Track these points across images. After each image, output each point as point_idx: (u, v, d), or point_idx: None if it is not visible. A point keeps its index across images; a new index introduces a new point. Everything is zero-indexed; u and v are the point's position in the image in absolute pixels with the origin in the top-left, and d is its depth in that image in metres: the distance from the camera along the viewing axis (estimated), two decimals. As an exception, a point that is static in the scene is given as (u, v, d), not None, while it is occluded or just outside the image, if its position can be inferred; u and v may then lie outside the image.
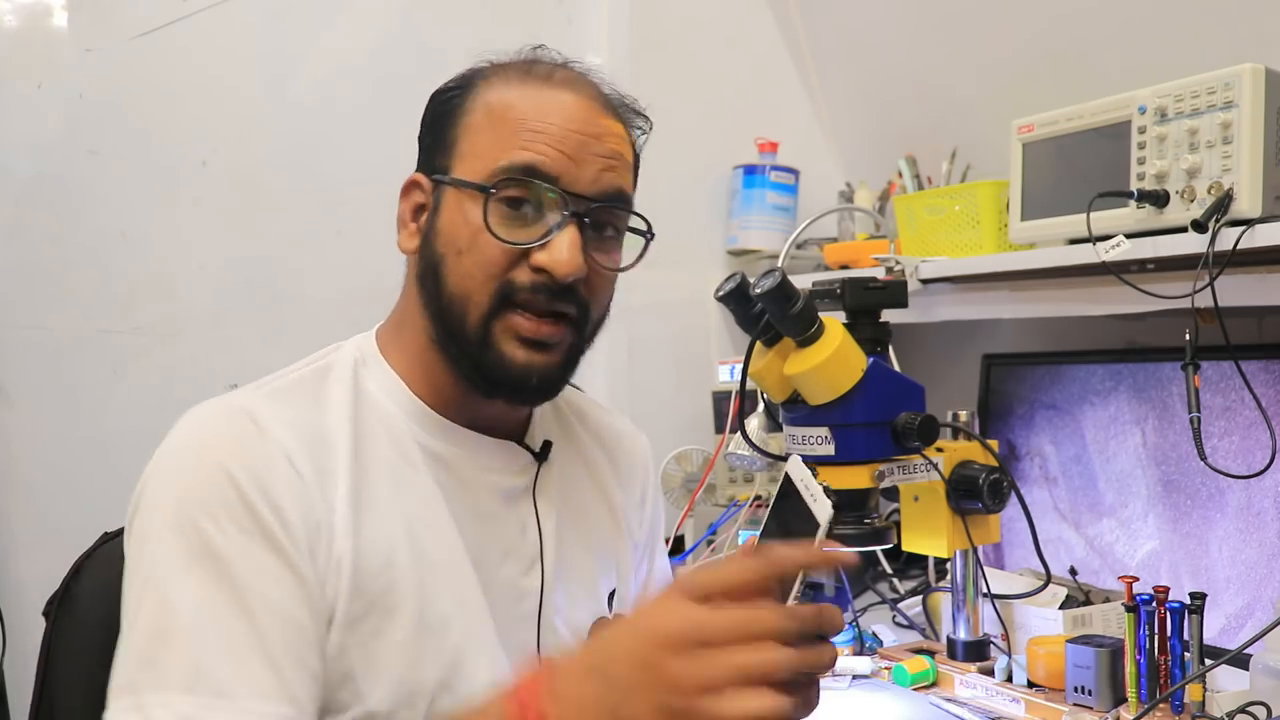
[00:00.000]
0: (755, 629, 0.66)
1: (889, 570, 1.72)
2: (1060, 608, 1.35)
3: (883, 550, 1.65)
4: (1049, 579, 1.22)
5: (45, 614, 1.03)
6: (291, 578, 0.82)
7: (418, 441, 0.93)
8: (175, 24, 1.70)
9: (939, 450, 1.13)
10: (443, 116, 0.95)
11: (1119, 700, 1.18)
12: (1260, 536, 1.32)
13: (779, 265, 1.60)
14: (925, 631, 1.55)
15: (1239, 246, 1.11)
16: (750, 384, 1.11)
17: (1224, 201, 1.13)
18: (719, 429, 1.89)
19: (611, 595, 1.06)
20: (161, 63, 1.69)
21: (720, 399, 1.90)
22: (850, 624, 1.49)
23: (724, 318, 2.08)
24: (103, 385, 1.67)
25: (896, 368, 1.11)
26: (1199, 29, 1.47)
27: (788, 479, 0.84)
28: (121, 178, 1.67)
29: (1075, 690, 1.21)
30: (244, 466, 0.82)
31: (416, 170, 0.97)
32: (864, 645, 1.48)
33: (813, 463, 1.07)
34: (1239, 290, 1.20)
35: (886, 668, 1.40)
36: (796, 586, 0.77)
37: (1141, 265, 1.26)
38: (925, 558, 1.68)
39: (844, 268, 1.82)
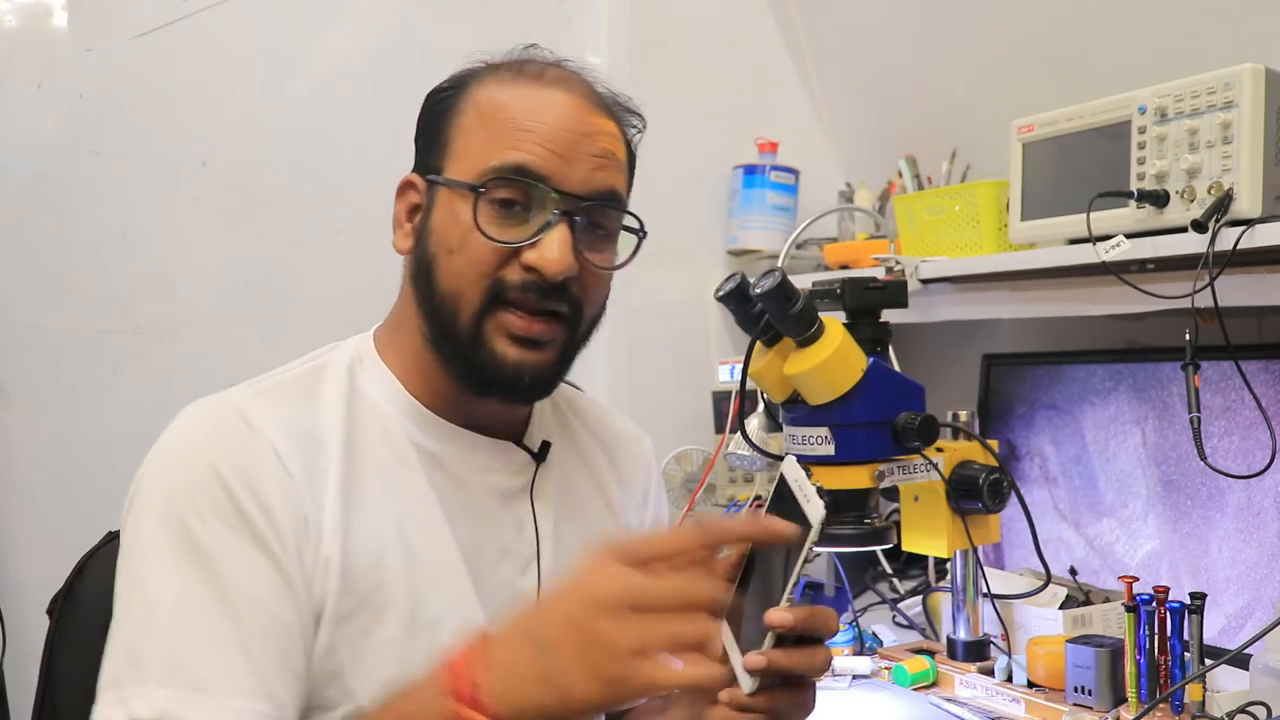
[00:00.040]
0: (689, 597, 0.66)
1: (889, 570, 1.72)
2: (1060, 608, 1.35)
3: (883, 550, 1.65)
4: (1049, 579, 1.22)
5: (49, 612, 1.03)
6: (277, 576, 0.82)
7: (412, 440, 0.93)
8: (175, 24, 1.70)
9: (939, 450, 1.13)
10: (436, 117, 0.95)
11: (1119, 700, 1.18)
12: (1260, 536, 1.32)
13: (779, 265, 1.60)
14: (925, 631, 1.55)
15: (1239, 246, 1.11)
16: (750, 384, 1.11)
17: (1224, 201, 1.13)
18: (719, 429, 1.89)
19: None
20: (161, 63, 1.69)
21: (720, 399, 1.91)
22: (850, 624, 1.49)
23: (724, 318, 2.08)
24: (103, 385, 1.67)
25: (896, 368, 1.11)
26: (1199, 29, 1.47)
27: (782, 479, 0.84)
28: (121, 178, 1.67)
29: (1075, 690, 1.21)
30: (232, 464, 0.83)
31: (412, 170, 0.97)
32: (864, 645, 1.48)
33: (813, 463, 1.07)
34: (1239, 290, 1.20)
35: (886, 668, 1.41)
36: (790, 585, 0.77)
37: (1141, 265, 1.26)
38: (925, 558, 1.68)
39: (844, 268, 1.82)
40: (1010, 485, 1.15)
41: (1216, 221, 1.13)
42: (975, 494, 1.13)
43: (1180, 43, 1.48)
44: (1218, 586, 1.35)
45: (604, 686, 0.65)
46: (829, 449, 1.05)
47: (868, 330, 1.10)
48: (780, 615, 0.76)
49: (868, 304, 1.12)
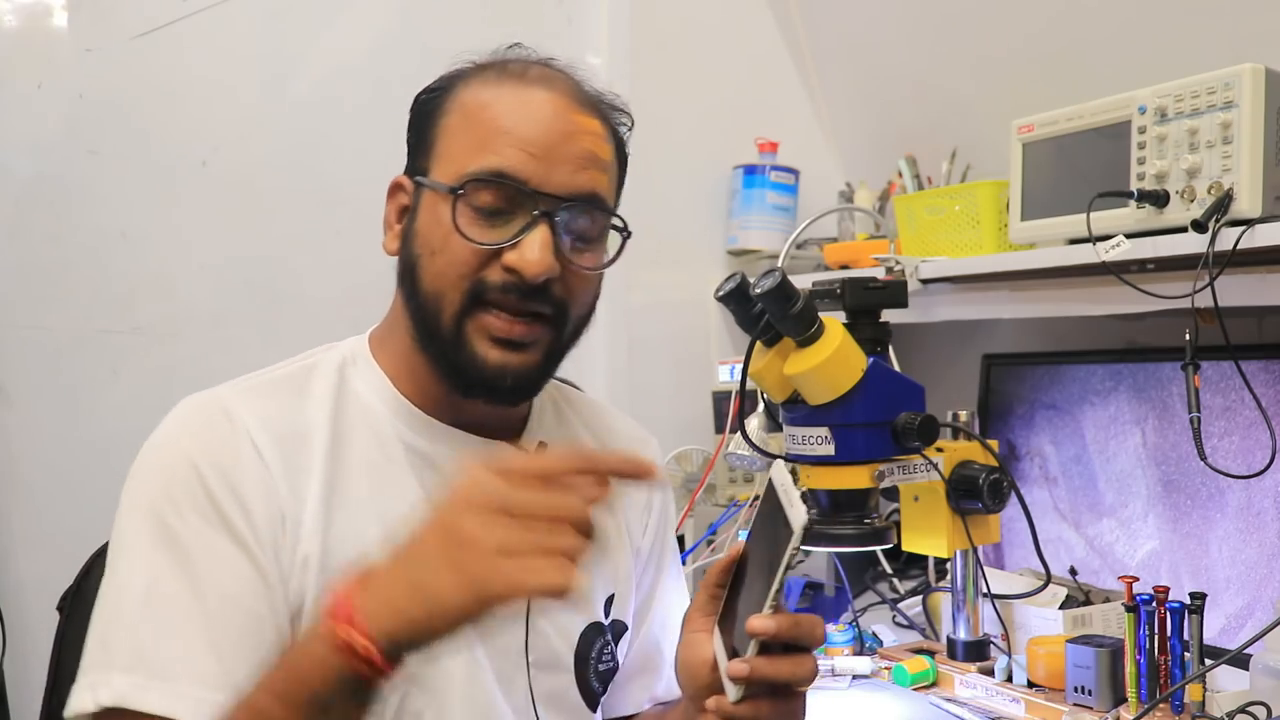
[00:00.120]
0: (558, 508, 0.66)
1: (889, 570, 1.72)
2: (1060, 608, 1.35)
3: (883, 550, 1.65)
4: (1049, 579, 1.22)
5: (59, 608, 1.06)
6: (251, 570, 0.83)
7: (403, 440, 0.93)
8: (175, 24, 1.70)
9: (939, 450, 1.13)
10: (424, 118, 0.95)
11: (1119, 700, 1.18)
12: (1260, 536, 1.32)
13: (779, 265, 1.60)
14: (925, 631, 1.55)
15: (1239, 246, 1.11)
16: (750, 384, 1.11)
17: (1224, 201, 1.13)
18: (719, 429, 1.89)
19: (610, 601, 1.05)
20: (161, 63, 1.69)
21: (720, 399, 1.90)
22: (850, 624, 1.49)
23: (724, 318, 2.07)
24: (102, 385, 1.67)
25: (896, 368, 1.11)
26: (1199, 29, 1.47)
27: (770, 484, 0.84)
28: (121, 178, 1.67)
29: (1075, 690, 1.21)
30: (211, 460, 0.84)
31: (404, 172, 0.97)
32: (864, 645, 1.48)
33: (813, 463, 1.07)
34: (1239, 290, 1.20)
35: (886, 668, 1.40)
36: (773, 590, 0.76)
37: (1141, 265, 1.26)
38: (925, 558, 1.68)
39: (844, 268, 1.82)
40: (1010, 485, 1.15)
41: (1216, 221, 1.13)
42: (975, 494, 1.13)
43: (1180, 43, 1.48)
44: (1218, 586, 1.35)
45: (469, 587, 0.64)
46: (829, 449, 1.05)
47: (868, 330, 1.11)
48: (762, 623, 0.76)
49: (868, 304, 1.12)
